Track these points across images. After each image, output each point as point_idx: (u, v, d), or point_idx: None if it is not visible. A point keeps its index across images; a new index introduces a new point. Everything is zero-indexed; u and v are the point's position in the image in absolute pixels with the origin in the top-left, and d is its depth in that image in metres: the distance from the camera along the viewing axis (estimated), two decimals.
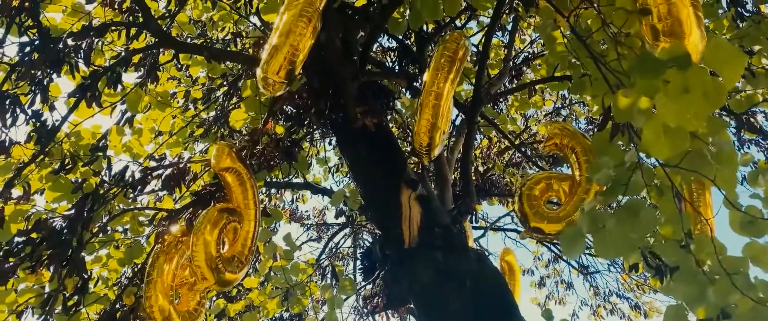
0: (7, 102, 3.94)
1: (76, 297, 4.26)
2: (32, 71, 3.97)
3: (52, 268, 4.10)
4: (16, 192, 4.45)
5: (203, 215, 3.32)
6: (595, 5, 2.38)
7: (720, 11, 4.47)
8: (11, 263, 4.06)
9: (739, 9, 4.32)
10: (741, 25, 4.23)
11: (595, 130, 7.12)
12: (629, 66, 1.86)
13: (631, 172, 1.74)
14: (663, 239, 1.86)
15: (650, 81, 1.63)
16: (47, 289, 4.43)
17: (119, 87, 4.40)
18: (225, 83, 5.61)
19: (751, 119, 5.17)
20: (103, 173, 4.63)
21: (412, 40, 5.73)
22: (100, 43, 4.64)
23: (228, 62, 5.54)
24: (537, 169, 7.12)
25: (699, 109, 1.54)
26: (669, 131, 1.55)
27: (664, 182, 1.78)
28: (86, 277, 4.29)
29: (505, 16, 5.90)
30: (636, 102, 1.67)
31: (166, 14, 4.91)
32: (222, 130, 5.27)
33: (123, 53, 4.44)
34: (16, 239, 4.17)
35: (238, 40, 5.62)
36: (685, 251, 1.75)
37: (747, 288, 1.72)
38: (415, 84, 5.38)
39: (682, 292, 1.79)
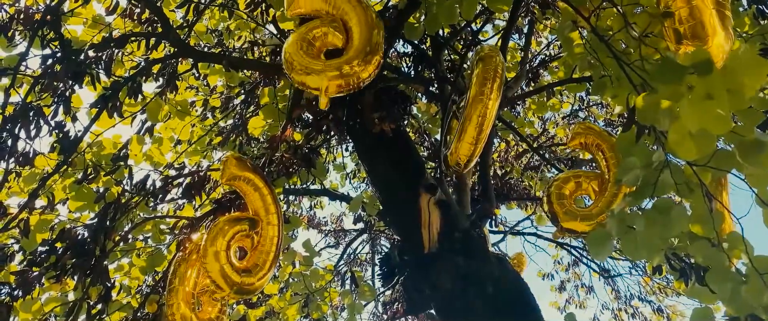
0: (31, 114, 4.00)
1: (99, 305, 4.30)
2: (55, 83, 4.03)
3: (76, 277, 4.15)
4: (40, 202, 4.52)
5: (213, 226, 3.33)
6: (618, 7, 2.36)
7: (740, 9, 4.42)
8: (36, 272, 4.12)
9: (759, 6, 4.26)
10: (762, 23, 4.18)
11: (616, 131, 7.05)
12: (651, 71, 1.84)
13: (659, 171, 1.71)
14: (690, 240, 1.83)
15: (672, 87, 1.62)
16: (71, 298, 4.49)
17: (139, 97, 4.45)
18: (243, 91, 5.65)
19: None
20: (124, 182, 4.68)
21: (428, 44, 5.73)
22: (120, 53, 4.71)
23: (246, 71, 5.58)
24: (556, 172, 7.07)
25: (721, 115, 1.52)
26: (696, 135, 1.53)
27: (692, 180, 1.76)
28: (109, 285, 4.33)
29: (521, 19, 5.88)
30: (659, 105, 1.65)
31: (185, 24, 4.96)
32: (240, 138, 5.30)
33: (143, 63, 4.49)
34: (41, 249, 4.24)
35: (255, 48, 5.66)
36: (717, 250, 1.72)
37: None
38: (431, 89, 5.38)
39: (717, 290, 1.76)
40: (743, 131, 1.65)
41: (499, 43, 4.78)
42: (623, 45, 2.92)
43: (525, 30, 6.26)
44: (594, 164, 4.75)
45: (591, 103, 7.89)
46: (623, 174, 1.78)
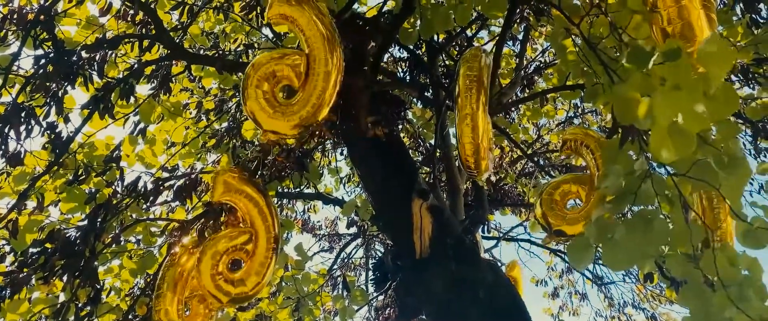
0: (23, 114, 3.98)
1: (88, 307, 4.28)
2: (47, 83, 4.01)
3: (65, 279, 4.12)
4: (30, 203, 4.49)
5: (208, 242, 3.33)
6: (603, 8, 2.36)
7: (734, 18, 4.43)
8: (25, 273, 4.09)
9: (753, 15, 4.28)
10: (756, 32, 4.19)
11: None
12: (623, 59, 1.84)
13: (641, 181, 1.71)
14: (673, 251, 1.83)
15: (642, 77, 1.62)
16: (60, 300, 4.46)
17: (132, 98, 4.43)
18: (237, 94, 5.64)
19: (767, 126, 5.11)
20: (116, 184, 4.66)
21: (423, 50, 5.73)
22: (113, 55, 4.69)
23: (240, 73, 5.57)
24: (550, 179, 7.07)
25: (693, 109, 1.52)
26: (674, 134, 1.53)
27: (675, 192, 1.76)
28: (99, 287, 4.31)
29: (516, 25, 5.89)
30: (636, 102, 1.65)
31: (179, 26, 4.96)
32: (234, 140, 5.29)
33: (136, 65, 4.48)
34: (31, 249, 4.21)
35: (250, 51, 5.65)
36: (693, 265, 1.72)
37: (740, 300, 1.69)
38: (426, 94, 5.38)
39: (688, 307, 1.76)
40: (719, 144, 1.65)
41: (493, 49, 4.79)
42: (617, 52, 2.93)
43: (520, 36, 6.27)
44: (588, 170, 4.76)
45: (586, 110, 7.91)
46: (604, 181, 1.78)
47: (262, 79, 3.07)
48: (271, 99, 3.07)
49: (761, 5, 4.39)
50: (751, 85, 4.84)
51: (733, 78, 4.89)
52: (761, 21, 4.29)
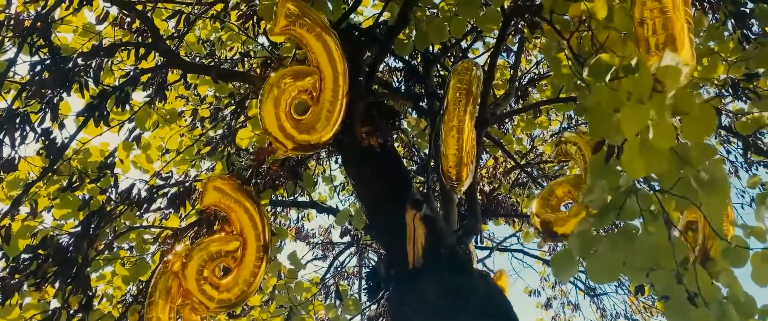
0: (18, 120, 3.99)
1: (80, 314, 4.27)
2: (43, 90, 4.02)
3: (57, 285, 4.12)
4: (24, 209, 4.49)
5: (195, 246, 3.32)
6: (587, 24, 2.40)
7: (725, 33, 4.48)
8: (17, 279, 4.08)
9: (744, 31, 4.33)
10: (746, 47, 4.24)
11: None
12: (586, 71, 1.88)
13: (626, 196, 1.74)
14: (656, 267, 1.85)
15: (606, 88, 1.65)
16: (52, 306, 4.45)
17: (127, 106, 4.45)
18: (232, 102, 5.66)
19: (758, 141, 5.16)
20: (109, 191, 4.66)
21: (418, 60, 5.77)
22: (109, 62, 4.71)
23: (236, 83, 5.59)
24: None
25: (658, 123, 1.55)
26: (645, 150, 1.55)
27: (659, 208, 1.78)
28: (91, 294, 4.30)
29: (510, 37, 5.94)
30: (608, 117, 1.68)
31: (175, 34, 4.98)
32: (229, 148, 5.30)
33: (132, 73, 4.50)
34: (23, 255, 4.20)
35: (245, 60, 5.68)
36: (675, 281, 1.74)
37: (722, 318, 1.71)
38: (421, 104, 5.42)
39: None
40: (699, 163, 1.68)
41: (487, 61, 4.83)
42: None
43: (514, 48, 6.31)
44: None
45: (579, 122, 7.95)
46: (588, 196, 1.80)
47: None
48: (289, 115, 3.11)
49: (752, 21, 4.44)
50: (743, 100, 4.89)
51: (724, 92, 4.95)
52: (752, 36, 4.34)
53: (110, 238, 4.56)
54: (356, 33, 4.87)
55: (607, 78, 1.63)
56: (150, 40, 4.37)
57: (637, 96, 1.55)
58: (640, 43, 2.16)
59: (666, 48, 2.04)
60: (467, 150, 3.50)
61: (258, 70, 5.45)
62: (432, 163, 5.35)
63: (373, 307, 6.49)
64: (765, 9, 4.04)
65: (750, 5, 4.28)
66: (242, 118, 5.52)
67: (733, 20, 4.36)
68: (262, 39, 5.51)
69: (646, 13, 2.19)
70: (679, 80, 1.60)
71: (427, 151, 6.43)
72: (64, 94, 4.17)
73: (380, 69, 6.06)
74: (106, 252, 4.63)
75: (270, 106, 3.04)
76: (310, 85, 3.16)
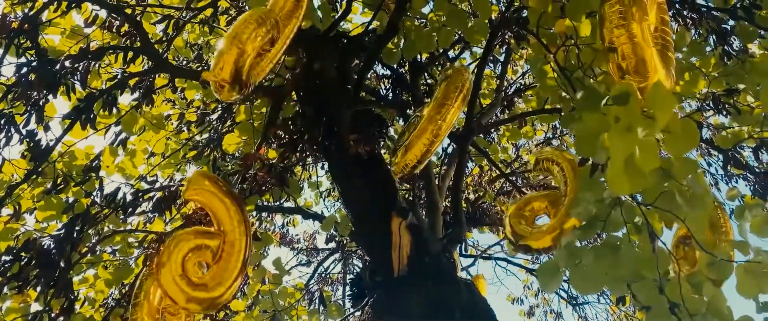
0: (2, 121, 3.96)
1: (61, 318, 4.22)
2: (29, 92, 4.00)
3: (39, 289, 4.08)
4: (6, 210, 4.45)
5: (171, 238, 3.28)
6: (574, 41, 2.46)
7: (707, 49, 4.57)
8: None
9: (725, 47, 4.42)
10: (728, 63, 4.33)
11: None
12: (576, 101, 1.93)
13: (611, 208, 1.78)
14: (639, 278, 1.89)
15: (598, 117, 1.71)
16: (33, 309, 4.40)
17: (114, 110, 4.43)
18: (219, 107, 5.65)
19: (737, 155, 5.26)
20: (94, 194, 4.63)
21: (406, 68, 5.81)
22: (97, 65, 4.69)
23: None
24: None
25: (644, 146, 1.59)
26: (630, 168, 1.60)
27: (643, 220, 1.83)
28: (73, 297, 4.26)
29: (497, 48, 6.00)
30: (594, 137, 1.73)
31: (164, 38, 4.97)
32: (215, 153, 5.29)
33: (119, 76, 4.48)
34: (4, 258, 4.16)
35: None
36: (658, 292, 1.79)
37: None
38: (408, 111, 5.45)
39: None
40: (682, 177, 1.73)
41: (475, 71, 4.88)
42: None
43: (501, 58, 6.38)
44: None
45: (564, 132, 8.04)
46: (575, 207, 1.84)
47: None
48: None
49: (733, 38, 4.54)
50: (724, 114, 4.99)
51: (705, 106, 5.04)
52: (733, 53, 4.43)
53: (94, 241, 4.53)
54: (345, 41, 4.91)
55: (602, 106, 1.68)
56: (138, 43, 4.36)
57: (625, 124, 1.60)
58: (612, 67, 2.22)
59: (636, 73, 2.09)
60: (431, 151, 3.58)
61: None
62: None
63: (357, 314, 6.49)
64: (745, 26, 4.13)
65: (731, 22, 4.37)
66: (229, 122, 5.52)
67: (714, 36, 4.46)
68: None
69: (615, 39, 2.25)
70: (671, 111, 1.66)
71: None
72: (50, 97, 4.15)
73: (368, 76, 6.09)
74: (90, 255, 4.60)
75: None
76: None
